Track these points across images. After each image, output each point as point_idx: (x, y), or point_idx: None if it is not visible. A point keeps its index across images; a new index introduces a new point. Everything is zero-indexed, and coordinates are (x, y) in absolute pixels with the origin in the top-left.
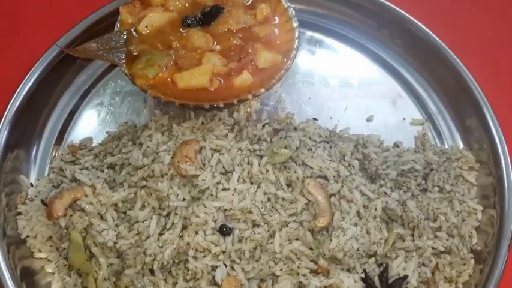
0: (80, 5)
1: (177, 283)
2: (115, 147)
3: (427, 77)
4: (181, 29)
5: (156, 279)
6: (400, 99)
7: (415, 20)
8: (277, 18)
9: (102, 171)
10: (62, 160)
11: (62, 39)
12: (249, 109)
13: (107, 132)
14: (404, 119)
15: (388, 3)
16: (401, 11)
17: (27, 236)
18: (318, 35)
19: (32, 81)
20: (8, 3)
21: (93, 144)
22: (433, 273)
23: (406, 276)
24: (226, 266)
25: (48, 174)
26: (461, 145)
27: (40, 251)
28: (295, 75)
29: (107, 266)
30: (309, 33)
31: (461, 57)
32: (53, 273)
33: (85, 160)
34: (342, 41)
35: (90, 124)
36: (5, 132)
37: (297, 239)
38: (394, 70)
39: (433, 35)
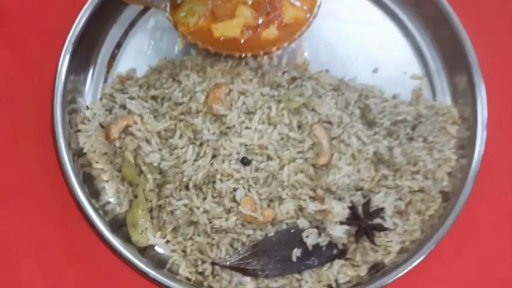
0: None
1: (206, 198)
2: (157, 80)
3: (432, 37)
4: None
5: (190, 194)
6: (405, 56)
7: None
8: None
9: (147, 101)
10: (112, 88)
11: None
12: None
13: (149, 66)
14: (405, 73)
15: None
16: None
17: (88, 150)
18: None
19: (86, 15)
20: None
21: (137, 76)
22: (406, 206)
23: (382, 208)
24: (244, 188)
25: (101, 99)
26: (449, 102)
27: (97, 163)
28: (313, 24)
29: (153, 181)
30: None
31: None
32: (107, 181)
33: (132, 90)
34: None
35: (135, 56)
36: (67, 57)
37: (301, 172)
38: (406, 30)
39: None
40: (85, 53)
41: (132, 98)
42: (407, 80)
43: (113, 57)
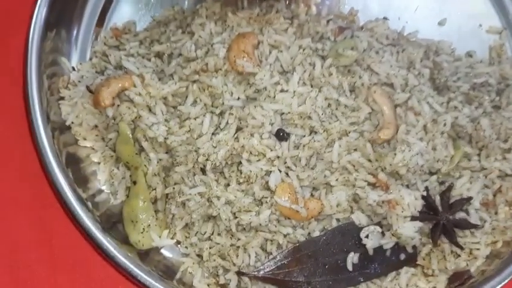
0: None
1: (229, 185)
2: (162, 34)
3: None
4: None
5: (207, 179)
6: (478, 2)
7: None
8: None
9: (149, 59)
10: (105, 44)
11: None
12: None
13: (152, 17)
14: (480, 25)
15: None
16: None
17: (72, 123)
18: None
19: None
20: None
21: (138, 30)
22: (494, 196)
23: (470, 198)
24: (280, 171)
25: (91, 59)
26: None
27: (85, 139)
28: None
29: (157, 162)
30: None
31: None
32: (99, 163)
33: (130, 46)
34: None
35: (134, 6)
36: (44, 8)
37: (356, 150)
38: None
39: None
40: (69, 1)
41: (131, 56)
42: (483, 34)
43: (105, 8)
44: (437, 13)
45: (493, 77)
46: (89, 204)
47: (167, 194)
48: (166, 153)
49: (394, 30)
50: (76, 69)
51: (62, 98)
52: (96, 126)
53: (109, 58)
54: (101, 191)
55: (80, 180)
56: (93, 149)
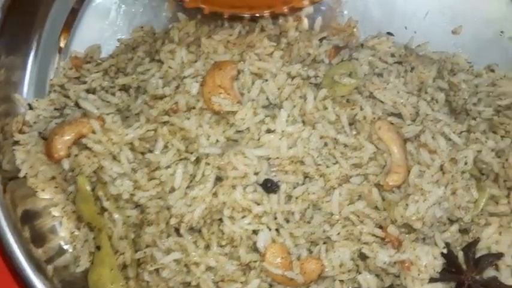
0: None
1: (209, 247)
2: (129, 61)
3: None
4: None
5: (183, 241)
6: (497, 5)
7: None
8: None
9: (114, 94)
10: (64, 75)
11: None
12: (299, 13)
13: (118, 40)
14: (502, 32)
15: None
16: None
17: (27, 174)
18: None
19: None
20: None
21: (102, 55)
22: None
23: (500, 255)
24: (270, 230)
25: (50, 93)
26: None
27: (43, 191)
28: None
29: (123, 223)
30: None
31: None
32: (61, 217)
33: (92, 78)
34: None
35: (98, 28)
36: None
37: (360, 198)
38: None
39: None
40: (21, 22)
41: (93, 91)
42: (505, 42)
43: (67, 28)
44: (451, 19)
45: None
46: (49, 269)
47: (139, 260)
48: (137, 207)
49: (400, 44)
50: (32, 106)
51: (17, 143)
52: (54, 177)
53: (69, 92)
54: (64, 252)
55: (38, 239)
56: (54, 202)
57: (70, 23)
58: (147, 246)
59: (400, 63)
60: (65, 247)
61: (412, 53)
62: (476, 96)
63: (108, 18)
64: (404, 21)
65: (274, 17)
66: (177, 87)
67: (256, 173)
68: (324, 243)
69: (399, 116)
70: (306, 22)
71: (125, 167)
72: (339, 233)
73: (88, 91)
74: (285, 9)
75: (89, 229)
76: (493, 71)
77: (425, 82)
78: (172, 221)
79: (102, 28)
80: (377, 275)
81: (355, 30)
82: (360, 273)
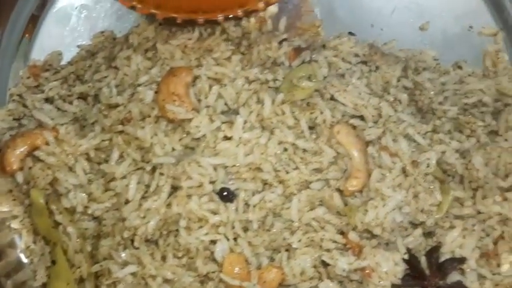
0: None
1: (165, 259)
2: (88, 68)
3: None
4: None
5: (139, 253)
6: (468, 1)
7: None
8: None
9: (71, 103)
10: (22, 84)
11: None
12: (262, 13)
13: (78, 46)
14: (471, 27)
15: None
16: None
17: None
18: None
19: None
20: None
21: (64, 62)
22: (495, 244)
23: (463, 259)
24: (228, 239)
25: (9, 103)
26: None
27: (1, 204)
28: None
29: (79, 236)
30: None
31: None
32: (20, 229)
33: (49, 87)
34: None
35: (58, 34)
36: None
37: (321, 204)
38: None
39: None
40: None
41: (51, 100)
42: (474, 37)
43: (28, 36)
44: (418, 15)
45: (487, 94)
46: (8, 284)
47: (96, 273)
48: (94, 219)
49: (364, 44)
50: None
51: None
52: (10, 190)
53: (27, 102)
54: (22, 266)
55: None
56: (13, 214)
57: (30, 30)
58: (105, 258)
59: (364, 63)
60: (25, 261)
61: (377, 51)
62: (443, 95)
63: (69, 25)
64: (370, 18)
65: (230, 20)
66: (132, 95)
67: (212, 182)
68: (286, 250)
69: (362, 118)
70: (269, 23)
71: (80, 178)
72: (300, 240)
73: (47, 100)
74: (240, 12)
75: (44, 243)
76: (460, 67)
77: (389, 82)
78: (126, 234)
79: (63, 34)
80: (340, 282)
81: (320, 29)
82: (322, 280)
